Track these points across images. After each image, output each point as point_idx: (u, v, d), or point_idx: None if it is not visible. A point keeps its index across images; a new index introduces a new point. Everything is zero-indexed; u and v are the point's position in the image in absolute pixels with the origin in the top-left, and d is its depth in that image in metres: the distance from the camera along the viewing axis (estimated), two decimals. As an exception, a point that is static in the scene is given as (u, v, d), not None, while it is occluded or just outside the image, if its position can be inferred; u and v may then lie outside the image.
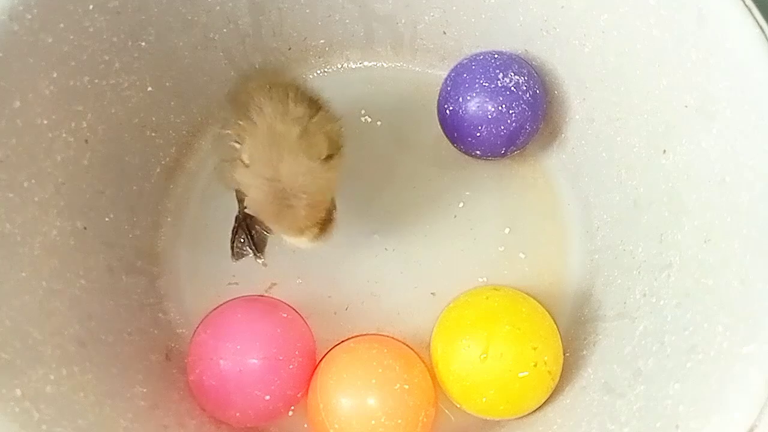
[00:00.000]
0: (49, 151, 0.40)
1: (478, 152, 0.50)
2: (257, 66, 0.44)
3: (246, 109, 0.40)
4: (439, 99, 0.51)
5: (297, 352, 0.44)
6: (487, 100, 0.47)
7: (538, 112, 0.49)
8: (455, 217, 0.52)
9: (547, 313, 0.46)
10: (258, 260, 0.50)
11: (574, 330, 0.48)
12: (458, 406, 0.45)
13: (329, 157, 0.40)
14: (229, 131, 0.40)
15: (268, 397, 0.42)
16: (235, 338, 0.42)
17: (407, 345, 0.47)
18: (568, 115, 0.51)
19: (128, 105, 0.46)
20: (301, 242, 0.40)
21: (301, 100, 0.40)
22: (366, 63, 0.56)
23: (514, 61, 0.49)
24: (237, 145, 0.40)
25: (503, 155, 0.50)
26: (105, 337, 0.42)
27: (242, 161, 0.39)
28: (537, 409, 0.44)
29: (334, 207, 0.42)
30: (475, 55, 0.50)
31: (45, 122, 0.39)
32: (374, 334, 0.48)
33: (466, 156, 0.52)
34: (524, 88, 0.48)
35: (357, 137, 0.54)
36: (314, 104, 0.41)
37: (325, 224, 0.40)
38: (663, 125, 0.42)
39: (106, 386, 0.39)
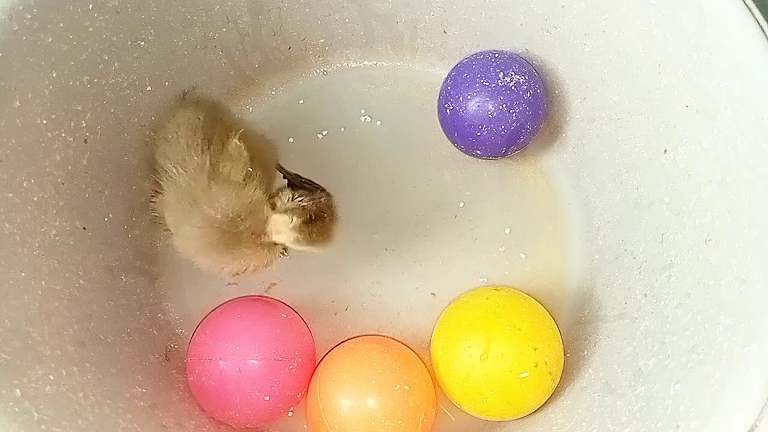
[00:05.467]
0: (48, 151, 0.40)
1: (478, 152, 0.50)
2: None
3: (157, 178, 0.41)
4: (439, 98, 0.51)
5: (296, 353, 0.44)
6: (488, 99, 0.47)
7: (538, 111, 0.49)
8: (456, 217, 0.52)
9: (547, 313, 0.45)
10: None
11: (574, 330, 0.48)
12: (458, 406, 0.45)
13: (248, 175, 0.40)
14: (154, 212, 0.42)
15: (267, 398, 0.42)
16: (235, 339, 0.42)
17: (407, 345, 0.47)
18: (569, 115, 0.51)
19: (127, 104, 0.46)
20: (296, 244, 0.40)
21: (200, 142, 0.41)
22: (366, 62, 0.56)
23: (514, 60, 0.49)
24: (160, 221, 0.41)
25: (504, 155, 0.50)
26: (104, 338, 0.41)
27: (170, 230, 0.40)
28: (537, 409, 0.44)
29: (332, 212, 0.42)
30: (476, 54, 0.50)
31: (44, 122, 0.39)
32: (374, 335, 0.48)
33: (467, 155, 0.52)
34: (525, 87, 0.47)
35: (357, 137, 0.54)
36: (216, 141, 0.41)
37: (321, 228, 0.40)
38: (664, 125, 0.42)
39: (106, 386, 0.39)
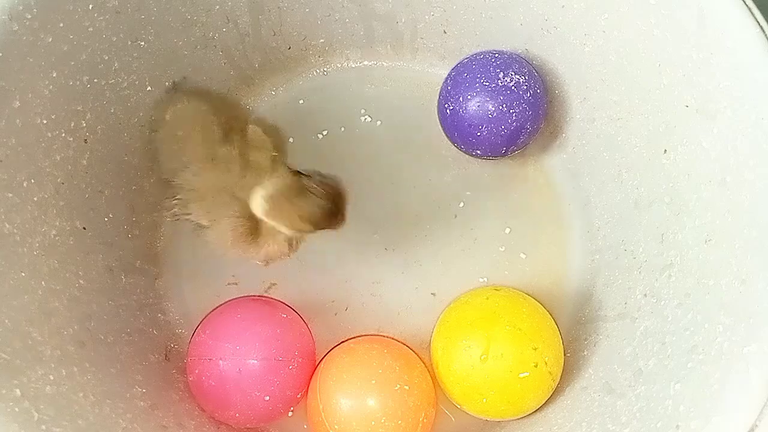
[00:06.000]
0: (48, 151, 0.40)
1: (478, 152, 0.50)
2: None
3: (175, 174, 0.41)
4: (439, 98, 0.51)
5: (296, 353, 0.44)
6: (488, 99, 0.47)
7: (538, 111, 0.49)
8: (456, 217, 0.52)
9: (547, 313, 0.45)
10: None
11: (574, 330, 0.48)
12: (458, 406, 0.45)
13: (274, 160, 0.41)
14: (175, 210, 0.42)
15: (267, 398, 0.42)
16: (235, 339, 0.42)
17: (407, 345, 0.47)
18: (569, 115, 0.51)
19: (127, 104, 0.46)
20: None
21: (219, 134, 0.41)
22: (366, 62, 0.56)
23: (514, 60, 0.49)
24: (188, 216, 0.41)
25: (504, 155, 0.50)
26: (104, 338, 0.41)
27: (203, 225, 0.41)
28: (537, 409, 0.44)
29: (340, 201, 0.42)
30: (476, 54, 0.50)
31: (44, 122, 0.39)
32: (374, 335, 0.48)
33: (467, 155, 0.52)
34: (525, 87, 0.47)
35: (357, 137, 0.54)
36: (234, 130, 0.42)
37: (331, 213, 0.40)
38: (664, 125, 0.42)
39: (106, 386, 0.39)
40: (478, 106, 0.47)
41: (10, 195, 0.37)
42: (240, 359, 0.42)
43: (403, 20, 0.53)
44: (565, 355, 0.45)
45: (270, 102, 0.55)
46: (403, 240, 0.51)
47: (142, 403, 0.41)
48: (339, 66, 0.56)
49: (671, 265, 0.41)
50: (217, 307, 0.46)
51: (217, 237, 0.40)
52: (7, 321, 0.35)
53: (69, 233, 0.41)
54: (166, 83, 0.48)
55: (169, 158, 0.42)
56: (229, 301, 0.47)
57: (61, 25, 0.39)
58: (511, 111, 0.47)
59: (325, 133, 0.54)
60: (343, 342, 0.46)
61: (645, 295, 0.43)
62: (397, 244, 0.51)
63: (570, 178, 0.52)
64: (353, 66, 0.56)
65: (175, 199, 0.42)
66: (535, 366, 0.42)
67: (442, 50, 0.55)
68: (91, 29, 0.41)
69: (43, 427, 0.33)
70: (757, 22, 0.35)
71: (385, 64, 0.56)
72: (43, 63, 0.38)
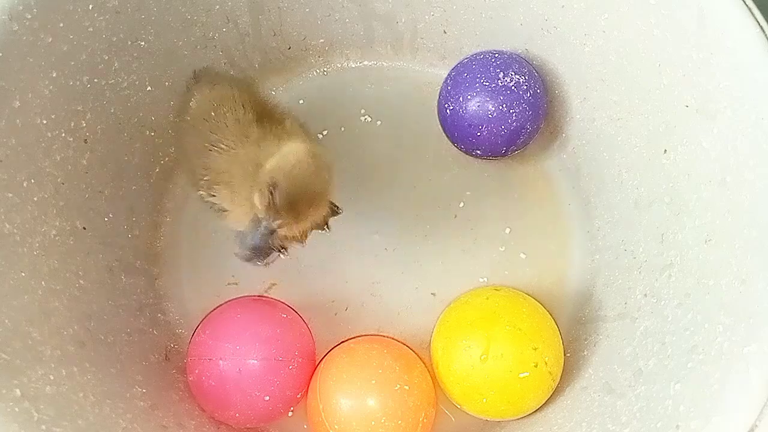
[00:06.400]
0: (48, 151, 0.40)
1: (478, 152, 0.50)
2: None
3: (204, 156, 0.40)
4: (439, 98, 0.51)
5: (296, 353, 0.44)
6: (488, 99, 0.47)
7: (538, 111, 0.49)
8: (456, 217, 0.52)
9: (547, 313, 0.45)
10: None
11: (574, 330, 0.48)
12: (458, 406, 0.45)
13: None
14: (201, 191, 0.41)
15: (267, 398, 0.42)
16: (235, 339, 0.42)
17: (407, 345, 0.47)
18: (569, 115, 0.51)
19: (127, 104, 0.46)
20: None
21: (252, 116, 0.41)
22: (366, 62, 0.56)
23: (514, 60, 0.49)
24: (214, 198, 0.40)
25: (504, 155, 0.50)
26: (104, 338, 0.41)
27: (225, 208, 0.40)
28: (537, 409, 0.44)
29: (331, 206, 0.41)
30: (476, 54, 0.50)
31: (44, 122, 0.39)
32: (374, 335, 0.48)
33: (467, 156, 0.52)
34: (525, 87, 0.47)
35: (357, 137, 0.54)
36: (267, 118, 0.41)
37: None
38: (664, 125, 0.42)
39: (106, 386, 0.39)
40: (478, 106, 0.47)
41: (10, 195, 0.37)
42: (240, 359, 0.42)
43: (403, 20, 0.53)
44: (565, 355, 0.45)
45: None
46: (403, 240, 0.51)
47: (142, 403, 0.41)
48: (339, 66, 0.56)
49: (671, 265, 0.41)
50: (217, 307, 0.46)
51: (237, 219, 0.39)
52: (7, 321, 0.35)
53: (69, 233, 0.41)
54: (166, 83, 0.48)
55: (199, 139, 0.41)
56: (229, 301, 0.47)
57: (61, 25, 0.39)
58: (511, 111, 0.47)
59: (325, 133, 0.54)
60: (343, 342, 0.46)
61: (645, 295, 0.43)
62: (397, 244, 0.51)
63: (570, 178, 0.52)
64: (353, 66, 0.56)
65: (203, 180, 0.41)
66: (535, 366, 0.42)
67: (442, 50, 0.55)
68: (91, 29, 0.41)
69: (43, 427, 0.33)
70: (757, 22, 0.35)
71: (385, 64, 0.56)
72: (43, 63, 0.38)
